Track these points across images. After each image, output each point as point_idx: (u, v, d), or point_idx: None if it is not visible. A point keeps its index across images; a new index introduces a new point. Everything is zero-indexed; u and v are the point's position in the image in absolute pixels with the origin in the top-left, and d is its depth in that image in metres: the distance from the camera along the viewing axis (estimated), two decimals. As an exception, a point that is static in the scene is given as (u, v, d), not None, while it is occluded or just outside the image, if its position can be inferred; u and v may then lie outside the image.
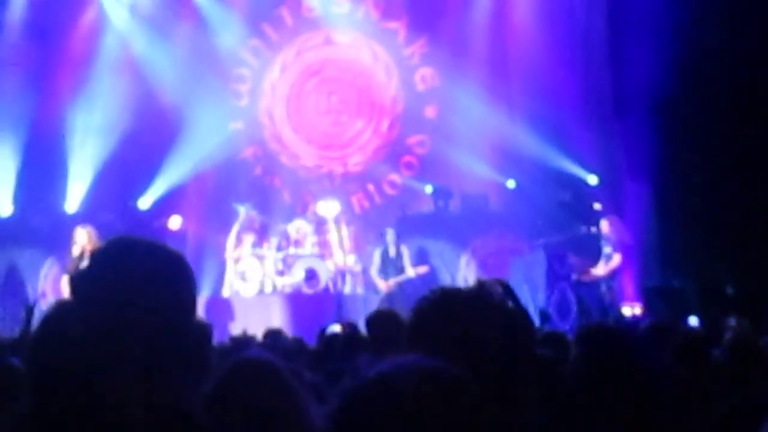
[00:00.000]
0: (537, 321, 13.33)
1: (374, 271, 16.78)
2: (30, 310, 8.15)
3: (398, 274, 16.60)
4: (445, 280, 17.40)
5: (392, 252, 16.72)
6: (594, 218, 16.10)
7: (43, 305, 17.50)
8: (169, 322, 2.67)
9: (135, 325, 2.63)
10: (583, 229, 15.93)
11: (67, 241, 16.26)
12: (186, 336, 2.73)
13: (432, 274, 17.14)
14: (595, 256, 15.58)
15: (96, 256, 2.75)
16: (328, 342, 7.60)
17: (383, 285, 16.65)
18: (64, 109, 19.01)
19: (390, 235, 16.81)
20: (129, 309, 2.63)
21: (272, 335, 9.71)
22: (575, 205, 17.05)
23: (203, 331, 4.66)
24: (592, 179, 17.42)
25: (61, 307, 3.16)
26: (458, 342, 2.58)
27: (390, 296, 16.44)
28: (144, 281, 2.66)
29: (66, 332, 2.75)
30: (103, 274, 2.68)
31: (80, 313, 2.69)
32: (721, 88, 16.04)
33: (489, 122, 17.81)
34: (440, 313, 2.69)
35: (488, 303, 2.68)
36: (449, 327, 2.64)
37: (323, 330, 9.01)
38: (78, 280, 2.74)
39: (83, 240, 15.50)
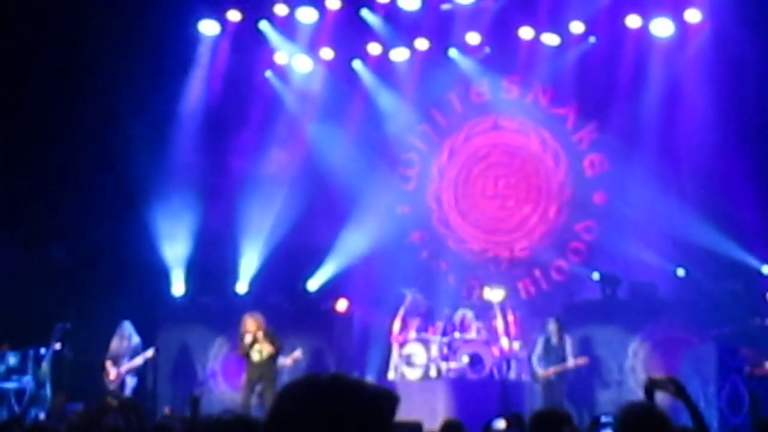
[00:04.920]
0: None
1: (535, 359, 16.82)
2: (196, 401, 8.27)
3: (559, 363, 16.53)
4: (612, 369, 17.16)
5: (555, 341, 16.65)
6: (767, 310, 15.62)
7: (212, 385, 17.90)
8: None
9: None
10: (756, 320, 15.46)
11: (236, 320, 16.62)
12: None
13: (593, 365, 16.94)
14: (769, 350, 15.14)
15: (294, 395, 2.58)
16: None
17: (542, 373, 16.69)
18: (237, 192, 19.47)
19: (552, 324, 16.77)
20: None
21: (449, 429, 9.47)
22: (747, 295, 16.59)
23: None
24: (766, 269, 16.95)
25: None
26: None
27: (549, 385, 16.47)
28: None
29: None
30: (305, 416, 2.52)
31: None
32: None
33: (658, 208, 17.52)
34: None
35: None
36: None
37: (488, 424, 8.91)
38: (276, 418, 2.56)
39: (252, 328, 15.87)
